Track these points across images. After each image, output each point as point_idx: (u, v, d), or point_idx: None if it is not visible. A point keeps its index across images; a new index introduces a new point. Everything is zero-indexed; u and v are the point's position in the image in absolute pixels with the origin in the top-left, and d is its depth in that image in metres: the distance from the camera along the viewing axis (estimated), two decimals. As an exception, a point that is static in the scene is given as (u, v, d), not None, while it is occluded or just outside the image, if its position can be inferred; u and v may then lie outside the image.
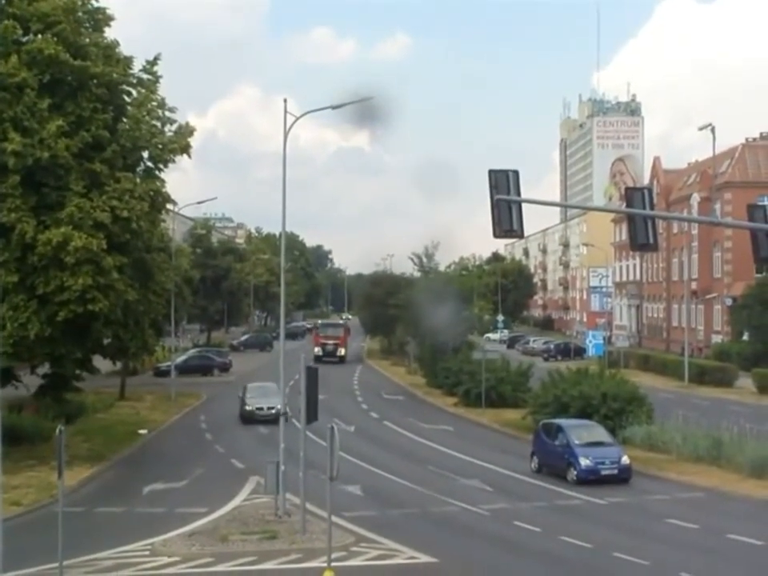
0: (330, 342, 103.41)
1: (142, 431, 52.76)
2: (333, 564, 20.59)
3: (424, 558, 27.26)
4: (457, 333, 73.54)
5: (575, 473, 38.28)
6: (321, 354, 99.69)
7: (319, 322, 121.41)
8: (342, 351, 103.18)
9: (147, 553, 27.95)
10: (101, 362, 53.14)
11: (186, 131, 45.89)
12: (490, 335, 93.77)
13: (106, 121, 43.11)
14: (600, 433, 40.95)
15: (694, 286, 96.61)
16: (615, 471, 38.25)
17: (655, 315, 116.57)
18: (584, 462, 38.23)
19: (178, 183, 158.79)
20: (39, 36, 42.41)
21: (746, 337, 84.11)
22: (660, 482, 38.67)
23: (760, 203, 37.88)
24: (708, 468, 40.08)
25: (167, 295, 60.97)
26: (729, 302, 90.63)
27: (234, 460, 44.34)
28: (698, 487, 37.30)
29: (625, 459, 38.66)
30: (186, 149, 45.64)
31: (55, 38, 42.15)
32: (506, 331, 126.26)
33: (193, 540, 28.95)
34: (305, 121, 38.85)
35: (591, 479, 37.79)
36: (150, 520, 32.35)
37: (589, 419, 44.05)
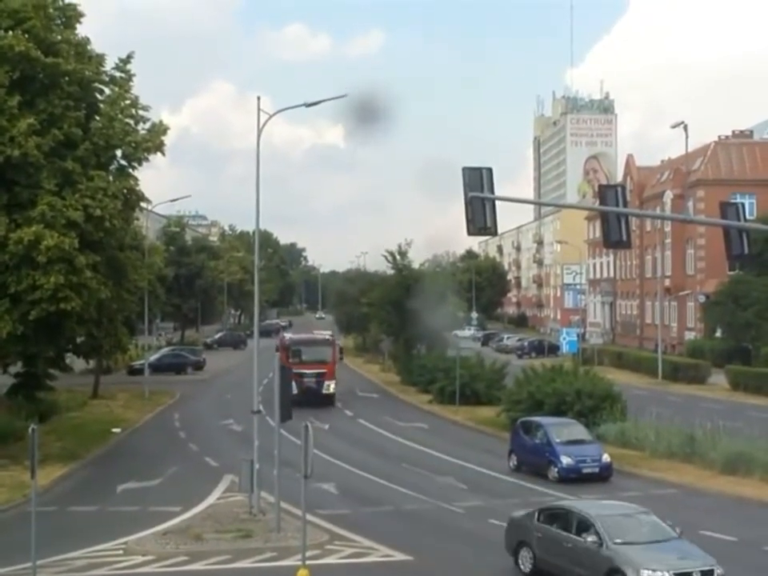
0: (311, 372, 63.36)
1: (115, 430, 52.55)
2: (307, 562, 20.57)
3: (399, 556, 27.27)
4: (432, 330, 73.58)
5: (556, 471, 38.31)
6: (295, 390, 51.64)
7: (287, 336, 73.42)
8: (330, 386, 64.61)
9: (121, 552, 27.88)
10: (74, 361, 52.97)
11: (159, 129, 45.78)
12: (458, 332, 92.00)
13: (78, 119, 42.94)
14: (580, 431, 41.00)
15: (667, 283, 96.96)
16: (596, 469, 38.33)
17: (629, 312, 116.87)
18: (565, 461, 38.26)
19: (151, 181, 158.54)
20: (9, 32, 42.19)
21: (719, 334, 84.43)
22: (633, 479, 38.75)
23: (733, 201, 38.14)
24: (681, 464, 40.21)
25: (140, 293, 60.89)
26: (702, 299, 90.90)
27: (208, 458, 44.23)
28: (670, 484, 37.43)
29: (606, 457, 38.75)
30: (159, 147, 45.54)
31: (26, 35, 42.00)
32: (473, 329, 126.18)
33: (167, 539, 28.88)
34: (279, 118, 38.93)
35: (573, 477, 37.83)
36: (123, 519, 32.23)
37: (563, 416, 44.08)
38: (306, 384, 61.96)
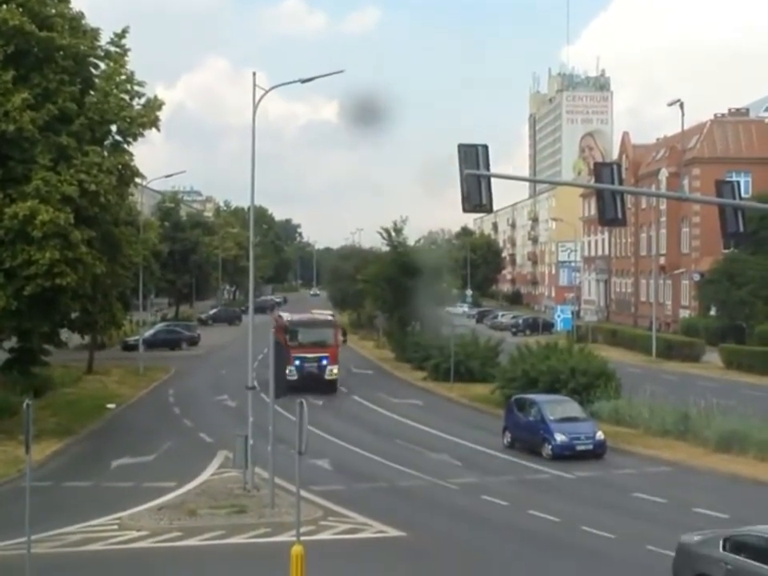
0: (312, 356, 58.67)
1: (110, 405, 52.59)
2: (301, 538, 20.57)
3: (392, 532, 27.33)
4: (426, 307, 73.62)
5: (550, 448, 38.33)
6: (295, 375, 55.39)
7: (286, 316, 66.19)
8: (333, 371, 59.33)
9: (115, 527, 27.90)
10: (69, 337, 52.94)
11: (154, 105, 45.62)
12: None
13: (73, 93, 42.76)
14: (574, 408, 41.01)
15: (662, 261, 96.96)
16: (590, 446, 38.35)
17: (623, 290, 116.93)
18: (559, 438, 38.28)
19: (146, 156, 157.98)
20: (3, 6, 41.98)
21: (713, 312, 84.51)
22: (627, 456, 38.82)
23: (728, 179, 38.09)
24: (675, 442, 40.29)
25: (135, 269, 60.78)
26: (697, 277, 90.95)
27: (203, 434, 44.28)
28: (664, 461, 37.49)
29: (599, 435, 38.76)
30: (154, 123, 45.41)
31: (20, 9, 41.77)
32: (465, 306, 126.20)
33: (161, 514, 28.91)
34: (275, 94, 38.80)
35: (567, 455, 37.87)
36: (118, 494, 32.27)
37: (557, 394, 44.11)
38: (306, 369, 57.81)
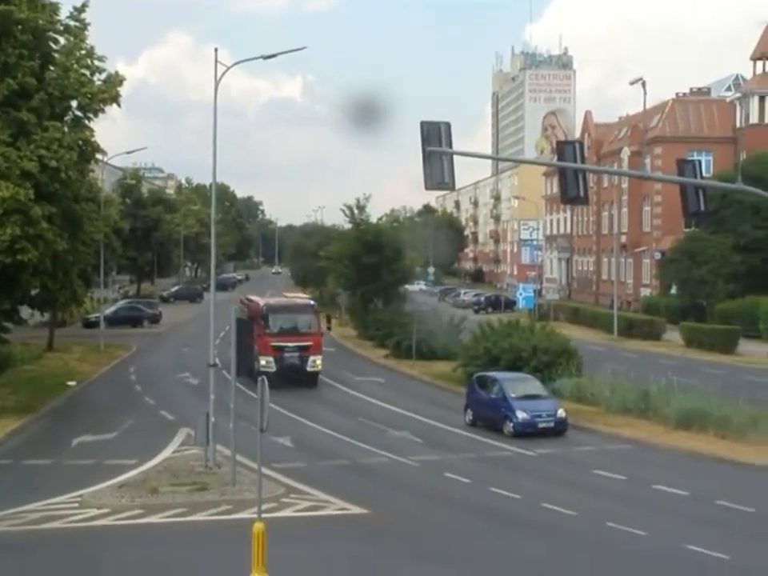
0: (293, 345, 51.90)
1: (70, 383, 52.34)
2: (263, 515, 20.55)
3: (354, 509, 27.35)
4: (388, 284, 73.72)
5: (512, 426, 38.43)
6: (273, 368, 50.06)
7: (262, 301, 57.84)
8: (316, 362, 52.67)
9: (76, 505, 27.78)
10: (30, 314, 52.59)
11: (115, 80, 45.23)
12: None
13: (32, 68, 42.30)
14: (535, 386, 41.12)
15: (623, 239, 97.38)
16: (551, 424, 38.48)
17: (585, 268, 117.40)
18: (521, 416, 38.39)
19: (107, 132, 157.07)
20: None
21: (674, 290, 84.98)
22: (588, 434, 39.02)
23: (689, 158, 38.19)
24: (636, 420, 40.50)
25: (96, 246, 60.47)
26: (658, 255, 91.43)
27: (164, 411, 44.15)
28: (625, 439, 37.70)
29: (561, 412, 38.90)
30: (115, 98, 45.04)
31: (-24, -19, 41.27)
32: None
33: (122, 492, 28.81)
34: (237, 70, 38.62)
35: (528, 432, 37.98)
36: (78, 472, 32.13)
37: (519, 371, 44.22)
38: (287, 360, 51.21)
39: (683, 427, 38.00)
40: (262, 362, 50.44)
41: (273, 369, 49.63)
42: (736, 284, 77.78)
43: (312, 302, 57.79)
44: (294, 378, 50.40)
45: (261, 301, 57.20)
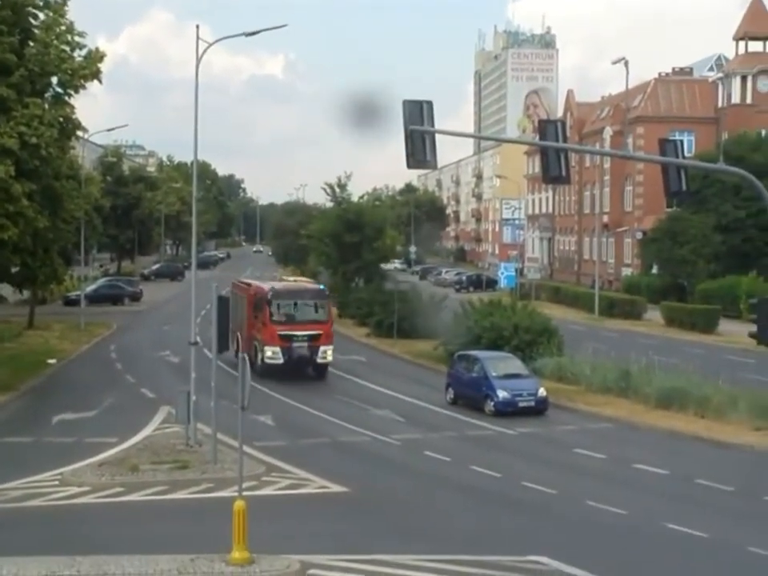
0: (302, 335, 47.02)
1: (51, 361, 52.22)
2: (244, 493, 20.55)
3: (335, 488, 27.37)
4: (369, 263, 73.75)
5: (493, 405, 38.47)
6: (280, 359, 46.79)
7: (266, 285, 51.43)
8: (327, 353, 47.66)
9: (56, 483, 27.73)
10: (11, 291, 52.45)
11: (96, 57, 45.01)
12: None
13: (12, 44, 42.05)
14: (517, 365, 41.16)
15: (605, 219, 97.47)
16: (532, 403, 38.53)
17: (567, 248, 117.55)
18: (502, 394, 38.43)
19: (87, 109, 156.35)
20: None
21: (655, 270, 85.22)
22: (569, 413, 39.13)
23: (671, 138, 38.16)
24: (616, 399, 40.61)
25: (77, 223, 60.30)
26: (639, 235, 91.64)
27: (145, 389, 44.10)
28: (606, 418, 37.81)
29: (542, 391, 38.93)
30: (96, 75, 44.82)
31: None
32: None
33: (103, 470, 28.77)
34: (219, 47, 38.45)
35: (509, 411, 38.02)
36: (59, 450, 32.07)
37: (500, 350, 44.26)
38: (295, 351, 46.55)
39: (663, 406, 38.13)
40: (268, 353, 46.24)
41: (280, 360, 46.33)
42: (717, 264, 78.06)
43: (322, 287, 52.38)
44: (303, 371, 47.27)
45: (265, 285, 50.79)
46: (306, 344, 46.79)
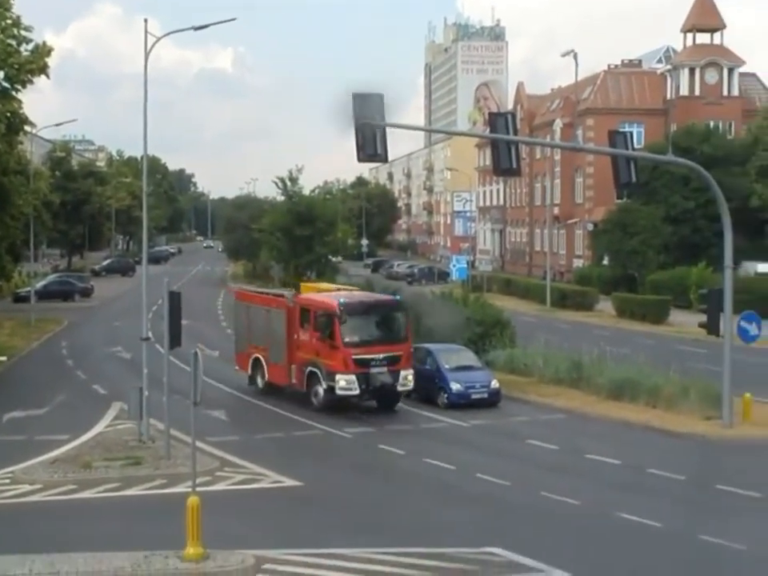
0: (381, 357, 37.28)
1: (0, 358, 51.74)
2: (198, 489, 20.50)
3: (288, 482, 27.34)
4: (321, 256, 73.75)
5: (446, 397, 38.49)
6: (356, 389, 37.05)
7: (331, 297, 39.54)
8: (408, 378, 37.81)
9: (8, 481, 27.54)
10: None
11: (43, 51, 44.73)
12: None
13: (-43, 38, 41.74)
14: (469, 357, 41.20)
15: (556, 211, 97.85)
16: (485, 395, 38.58)
17: (518, 240, 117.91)
18: (454, 387, 38.44)
19: (35, 104, 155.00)
20: None
21: (606, 261, 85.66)
22: (522, 404, 39.24)
23: (621, 130, 38.39)
24: (568, 390, 40.76)
25: (25, 219, 59.77)
26: (590, 227, 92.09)
27: (97, 386, 43.82)
28: (558, 409, 37.95)
29: (494, 383, 38.99)
30: (43, 69, 44.54)
31: None
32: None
33: (55, 467, 28.58)
34: (168, 41, 38.18)
35: (462, 403, 38.06)
36: (10, 448, 31.82)
37: (452, 343, 44.23)
38: (374, 378, 37.06)
39: (615, 397, 38.32)
40: (341, 383, 36.81)
41: (356, 391, 37.06)
42: (667, 255, 78.68)
43: (398, 297, 43.28)
44: (381, 401, 38.45)
45: (328, 298, 39.83)
46: (385, 368, 37.48)
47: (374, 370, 37.04)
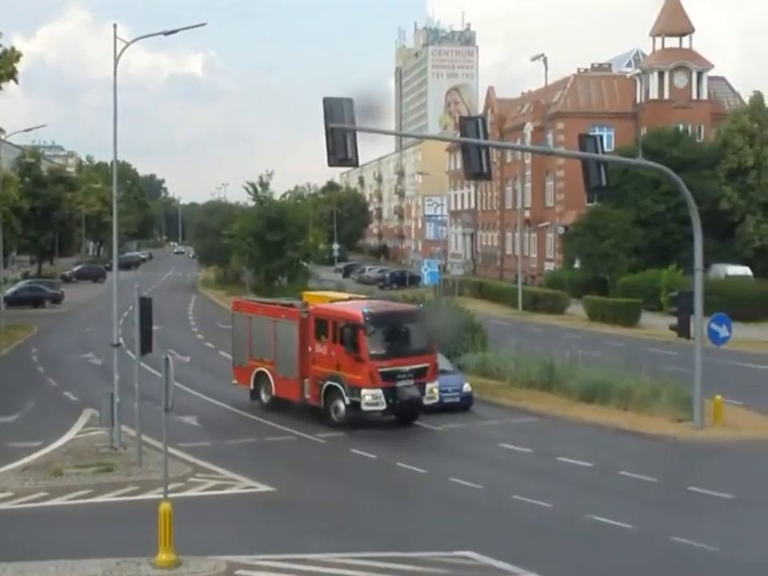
0: (408, 370, 35.31)
1: (-30, 365, 51.55)
2: (170, 495, 20.45)
3: (261, 487, 27.28)
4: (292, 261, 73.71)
5: (418, 401, 38.41)
6: (383, 404, 35.02)
7: (356, 308, 36.70)
8: (434, 391, 36.00)
9: (-22, 489, 27.39)
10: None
11: (11, 56, 44.61)
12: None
13: (-76, 44, 41.50)
14: (442, 361, 41.11)
15: (527, 214, 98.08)
16: (457, 399, 38.50)
17: (489, 243, 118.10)
18: None
19: (4, 110, 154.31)
20: None
21: (577, 265, 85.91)
22: (494, 408, 39.26)
23: (591, 133, 38.57)
24: (540, 393, 40.79)
25: (-5, 225, 59.48)
26: (561, 230, 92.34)
27: (68, 393, 43.62)
28: (530, 412, 38.01)
29: (467, 387, 38.95)
30: (12, 74, 44.41)
31: None
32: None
33: (26, 475, 28.46)
34: (138, 46, 38.06)
35: (434, 407, 38.00)
36: (-20, 455, 31.66)
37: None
38: (402, 392, 35.21)
39: (587, 400, 38.39)
40: (367, 398, 34.86)
41: (382, 406, 35.23)
42: (638, 258, 78.95)
43: (422, 307, 42.63)
44: (406, 415, 36.47)
45: (354, 308, 37.24)
46: (412, 381, 35.62)
47: (400, 384, 35.23)
